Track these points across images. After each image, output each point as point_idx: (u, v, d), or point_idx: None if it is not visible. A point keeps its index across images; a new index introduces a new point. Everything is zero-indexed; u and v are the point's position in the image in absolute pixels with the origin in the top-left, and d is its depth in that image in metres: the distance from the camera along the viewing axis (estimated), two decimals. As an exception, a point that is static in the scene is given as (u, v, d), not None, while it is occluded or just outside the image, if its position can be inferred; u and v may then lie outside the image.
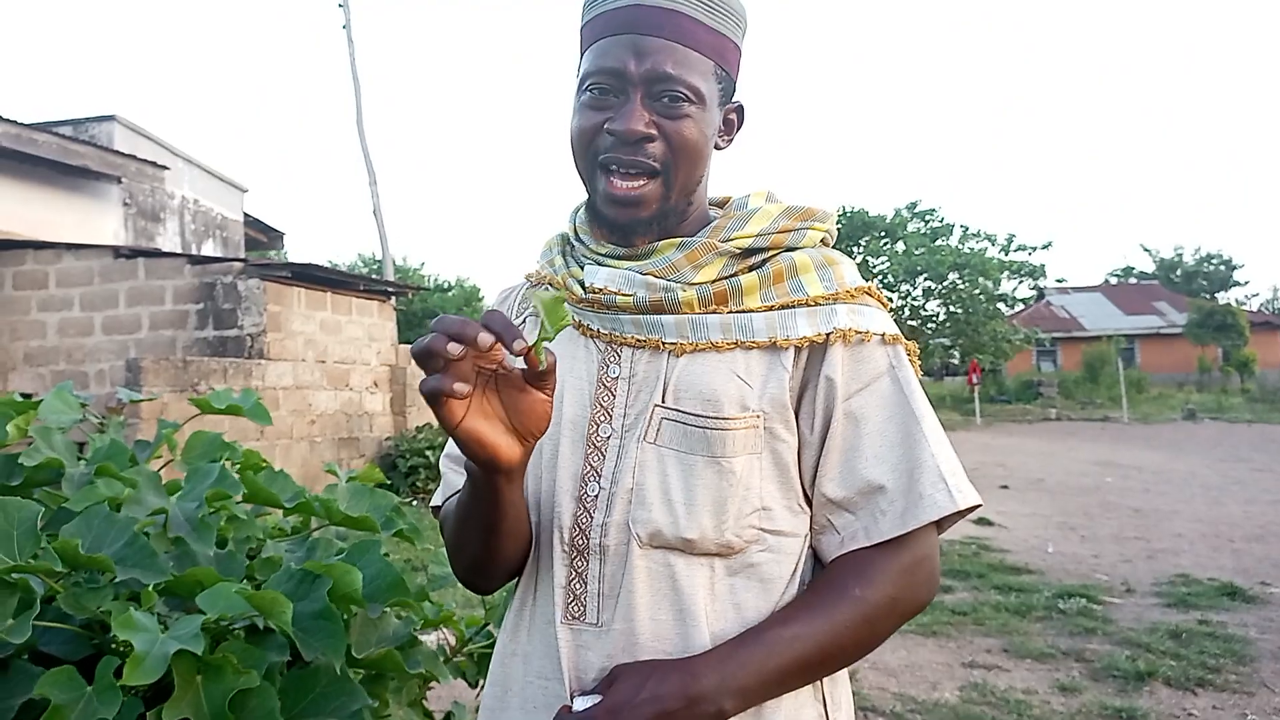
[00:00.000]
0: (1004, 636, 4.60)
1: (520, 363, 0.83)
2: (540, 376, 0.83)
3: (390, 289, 11.34)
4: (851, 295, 0.99)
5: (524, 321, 1.13)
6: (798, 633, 0.91)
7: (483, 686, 1.94)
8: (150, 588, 1.27)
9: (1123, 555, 6.58)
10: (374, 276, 13.60)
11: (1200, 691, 3.81)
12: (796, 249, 1.01)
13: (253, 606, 1.19)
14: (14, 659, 1.27)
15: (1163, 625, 4.70)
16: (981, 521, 7.64)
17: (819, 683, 0.98)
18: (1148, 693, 3.80)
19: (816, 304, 0.98)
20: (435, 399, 0.80)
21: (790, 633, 0.91)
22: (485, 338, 0.78)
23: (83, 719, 1.12)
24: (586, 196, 1.05)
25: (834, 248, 1.06)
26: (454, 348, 0.78)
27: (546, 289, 1.10)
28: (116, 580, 1.31)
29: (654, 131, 0.96)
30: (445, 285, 30.63)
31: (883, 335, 0.99)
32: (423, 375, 0.81)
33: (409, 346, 11.53)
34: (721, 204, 1.10)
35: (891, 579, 0.94)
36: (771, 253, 1.01)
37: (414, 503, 8.89)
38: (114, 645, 1.32)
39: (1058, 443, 16.19)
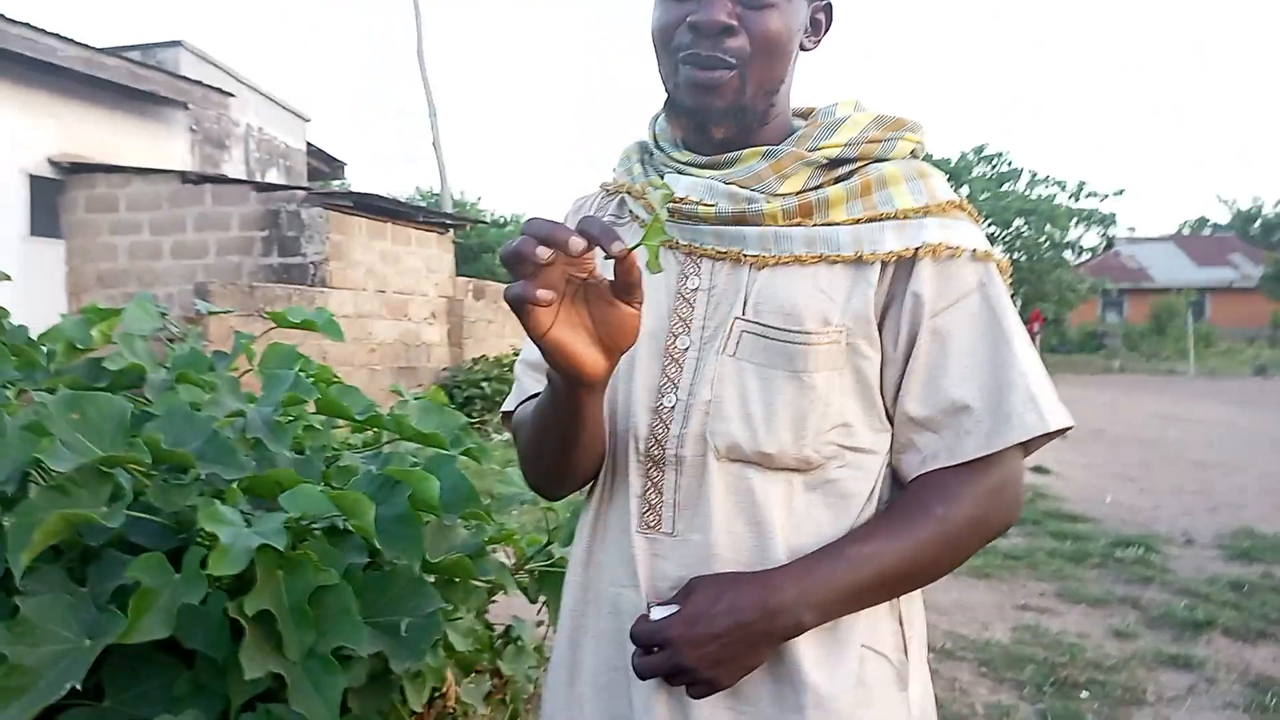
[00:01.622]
0: (1058, 582, 4.56)
1: (609, 272, 0.80)
2: (629, 289, 0.80)
3: (448, 221, 11.39)
4: (943, 209, 0.95)
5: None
6: (879, 549, 0.90)
7: (543, 602, 1.99)
8: (234, 485, 1.31)
9: (1183, 507, 6.45)
10: (432, 209, 13.67)
11: (1260, 643, 3.75)
12: (886, 160, 0.98)
13: (336, 507, 1.22)
14: (105, 548, 1.33)
15: (1223, 577, 4.61)
16: (1038, 469, 7.53)
17: (895, 600, 0.97)
18: (1205, 642, 3.75)
19: (906, 217, 0.94)
20: (519, 306, 0.77)
21: (871, 549, 0.90)
22: (576, 242, 0.75)
23: (170, 603, 1.17)
24: (665, 99, 1.02)
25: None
26: (543, 252, 0.75)
27: (649, 189, 1.04)
28: (200, 478, 1.36)
29: (735, 23, 0.92)
30: (502, 220, 30.71)
31: (974, 251, 0.95)
32: (491, 297, 0.78)
33: (465, 279, 11.63)
34: (805, 114, 1.06)
35: (976, 499, 0.92)
36: (860, 164, 0.97)
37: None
38: (199, 539, 1.37)
39: (1120, 394, 15.83)
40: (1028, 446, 0.94)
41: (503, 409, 1.15)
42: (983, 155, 27.95)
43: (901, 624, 0.98)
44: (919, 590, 1.00)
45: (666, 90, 1.01)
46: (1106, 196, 27.82)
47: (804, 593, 0.88)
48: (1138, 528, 5.76)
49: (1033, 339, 0.99)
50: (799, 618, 0.87)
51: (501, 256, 0.78)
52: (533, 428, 1.00)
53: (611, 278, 0.81)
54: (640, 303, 0.82)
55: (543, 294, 0.76)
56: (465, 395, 9.83)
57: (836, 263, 0.94)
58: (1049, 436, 0.93)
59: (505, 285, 0.79)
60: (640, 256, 0.79)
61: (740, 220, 0.96)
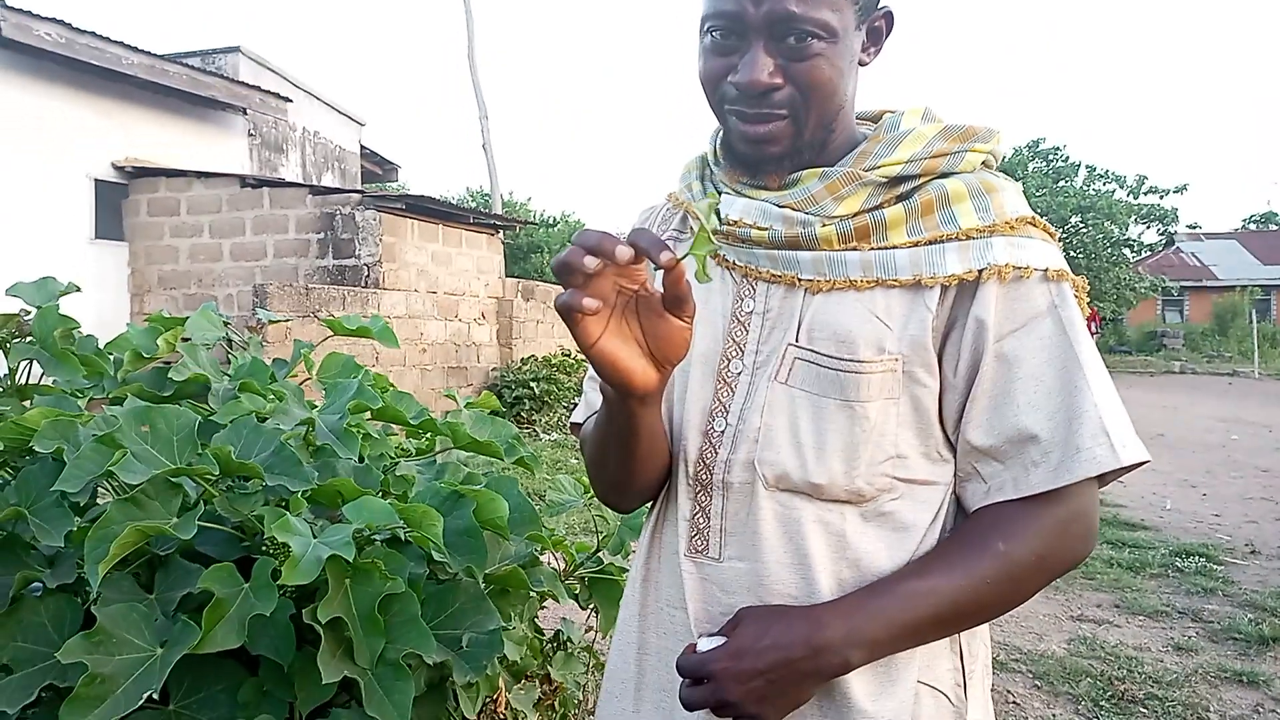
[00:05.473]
0: (1116, 592, 4.47)
1: (659, 284, 0.80)
2: (678, 301, 0.80)
3: (498, 223, 11.48)
4: (1011, 226, 0.91)
5: (668, 241, 1.11)
6: (934, 585, 0.87)
7: (592, 608, 2.01)
8: (299, 495, 1.34)
9: (1247, 515, 6.28)
10: (482, 210, 13.79)
11: (1329, 660, 3.64)
12: (952, 174, 0.93)
13: (402, 519, 1.24)
14: (173, 556, 1.36)
15: (1290, 590, 4.49)
16: (1095, 475, 7.37)
17: (956, 635, 0.94)
18: (1271, 658, 3.64)
19: (969, 237, 0.90)
20: (568, 314, 0.78)
21: (926, 585, 0.87)
22: (623, 251, 0.75)
23: (241, 613, 1.20)
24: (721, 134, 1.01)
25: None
26: (590, 261, 0.75)
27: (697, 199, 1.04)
28: (265, 486, 1.39)
29: (779, 80, 0.90)
30: (551, 220, 30.85)
31: (1045, 271, 0.90)
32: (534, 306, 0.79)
33: (514, 280, 11.71)
34: (875, 119, 1.03)
35: (1041, 535, 0.88)
36: (922, 180, 0.93)
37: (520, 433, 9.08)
38: (263, 548, 1.40)
39: (1181, 397, 15.44)
40: (1102, 479, 0.89)
41: (572, 420, 1.16)
42: (1038, 150, 27.43)
43: (962, 658, 0.95)
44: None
45: (722, 129, 1.00)
46: (1168, 192, 27.14)
47: (852, 630, 0.85)
48: (1199, 536, 5.62)
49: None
50: (846, 656, 0.85)
51: (553, 267, 0.79)
52: (595, 440, 1.02)
53: (662, 290, 0.81)
54: (691, 316, 0.82)
55: (588, 303, 0.77)
56: (514, 395, 9.91)
57: (894, 287, 0.91)
58: (1122, 470, 0.88)
59: (554, 286, 0.79)
60: (688, 267, 0.79)
61: (794, 244, 0.94)
